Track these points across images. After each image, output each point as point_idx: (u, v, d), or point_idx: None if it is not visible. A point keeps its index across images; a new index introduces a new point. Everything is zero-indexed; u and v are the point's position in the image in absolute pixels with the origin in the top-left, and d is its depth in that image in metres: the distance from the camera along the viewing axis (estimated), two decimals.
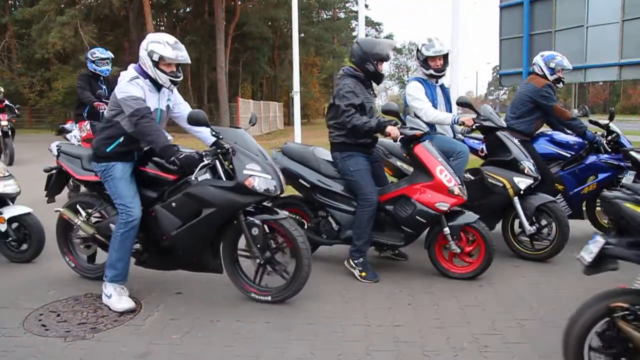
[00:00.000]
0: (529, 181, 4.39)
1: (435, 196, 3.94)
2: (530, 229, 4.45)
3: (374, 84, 4.31)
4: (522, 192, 4.37)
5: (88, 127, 6.97)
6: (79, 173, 3.89)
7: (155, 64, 3.44)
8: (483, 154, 4.93)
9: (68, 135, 7.86)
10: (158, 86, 3.55)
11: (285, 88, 36.94)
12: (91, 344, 3.05)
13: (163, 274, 3.99)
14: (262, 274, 3.67)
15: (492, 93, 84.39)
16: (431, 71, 4.57)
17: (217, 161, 3.43)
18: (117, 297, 3.52)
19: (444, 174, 3.95)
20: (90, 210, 3.97)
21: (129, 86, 3.41)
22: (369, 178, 4.10)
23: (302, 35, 35.74)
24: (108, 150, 3.55)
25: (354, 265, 4.13)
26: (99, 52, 7.08)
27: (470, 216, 4.01)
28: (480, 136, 4.87)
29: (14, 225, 4.58)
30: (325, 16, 43.88)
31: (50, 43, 21.28)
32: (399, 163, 4.60)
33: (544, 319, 3.37)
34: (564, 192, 5.05)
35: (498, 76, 15.51)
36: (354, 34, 42.17)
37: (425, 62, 4.57)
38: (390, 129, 3.92)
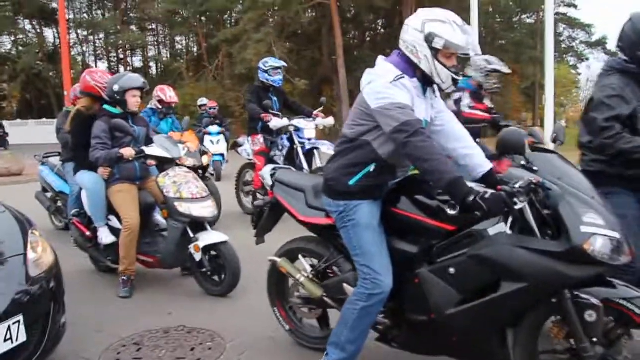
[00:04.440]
0: None
1: None
2: None
3: None
4: None
5: (261, 140, 6.82)
6: (304, 213, 2.83)
7: (435, 54, 2.35)
8: None
9: (239, 150, 7.87)
10: (425, 87, 2.48)
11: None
12: None
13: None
14: None
15: None
16: None
17: (527, 205, 2.18)
18: None
19: None
20: (316, 262, 2.95)
21: (392, 89, 2.30)
22: (637, 228, 2.75)
23: (502, 42, 33.43)
24: (351, 182, 2.47)
25: None
26: (272, 61, 6.92)
27: None
28: None
29: (210, 254, 4.04)
30: (528, 20, 40.79)
31: (248, 60, 23.03)
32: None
33: None
34: None
35: None
36: (561, 39, 38.32)
37: None
38: None
